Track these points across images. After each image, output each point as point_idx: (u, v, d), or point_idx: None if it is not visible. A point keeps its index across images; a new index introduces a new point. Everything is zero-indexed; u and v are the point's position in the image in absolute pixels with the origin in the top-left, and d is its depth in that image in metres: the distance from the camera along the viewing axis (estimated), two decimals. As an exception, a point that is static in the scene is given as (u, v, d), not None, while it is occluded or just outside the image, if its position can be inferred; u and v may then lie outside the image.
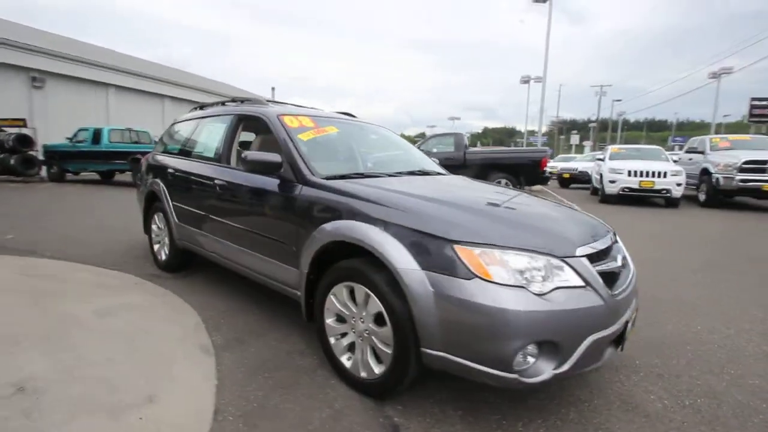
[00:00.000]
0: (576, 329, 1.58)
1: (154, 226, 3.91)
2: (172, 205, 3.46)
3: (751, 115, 28.27)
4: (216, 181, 2.87)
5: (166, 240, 3.69)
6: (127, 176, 12.96)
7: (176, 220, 3.44)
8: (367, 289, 1.84)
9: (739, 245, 5.66)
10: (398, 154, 3.21)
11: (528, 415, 1.86)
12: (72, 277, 3.52)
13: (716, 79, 29.52)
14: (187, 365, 2.19)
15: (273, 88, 33.87)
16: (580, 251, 1.71)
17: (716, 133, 29.32)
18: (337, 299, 2.01)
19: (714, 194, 9.69)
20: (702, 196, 10.17)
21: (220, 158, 3.03)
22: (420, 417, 1.80)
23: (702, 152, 10.53)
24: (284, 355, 2.31)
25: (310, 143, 2.56)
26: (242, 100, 3.29)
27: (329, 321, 2.08)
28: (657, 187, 9.60)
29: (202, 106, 3.85)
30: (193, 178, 3.22)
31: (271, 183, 2.45)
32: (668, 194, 9.57)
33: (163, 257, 3.76)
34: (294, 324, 2.71)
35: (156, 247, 3.91)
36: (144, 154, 11.85)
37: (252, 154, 2.35)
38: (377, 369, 1.87)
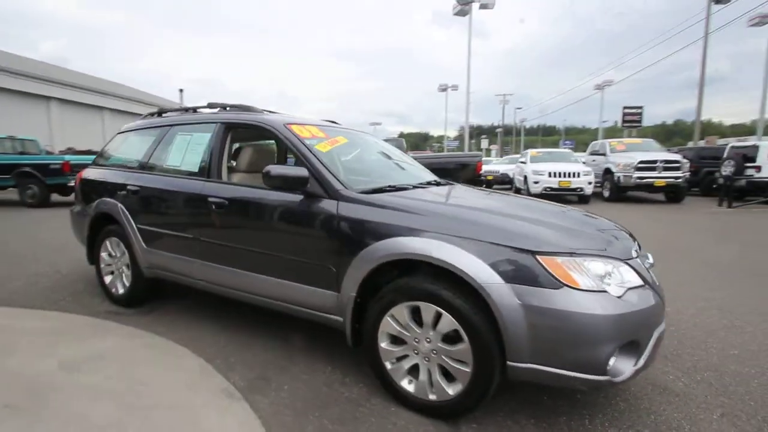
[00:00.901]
0: (647, 326, 1.70)
1: (104, 254, 3.29)
2: (137, 228, 2.95)
3: (624, 122, 33.60)
4: (211, 199, 2.51)
5: (125, 269, 3.14)
6: (11, 193, 10.77)
7: (144, 245, 2.94)
8: (438, 308, 1.76)
9: (645, 231, 6.67)
10: (405, 163, 3.14)
11: (588, 411, 1.95)
12: (7, 326, 2.80)
13: (600, 90, 34.58)
14: (216, 416, 1.87)
15: (181, 90, 31.11)
16: (633, 252, 1.85)
17: (600, 136, 34.23)
18: (395, 321, 1.89)
19: (616, 190, 11.28)
20: (606, 192, 11.77)
21: (207, 172, 2.66)
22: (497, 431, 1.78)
23: (603, 154, 12.19)
24: (325, 389, 2.10)
25: (329, 155, 2.38)
26: (224, 107, 2.94)
27: (384, 345, 1.94)
28: (573, 186, 10.87)
29: (160, 113, 3.36)
30: (169, 196, 2.78)
31: (290, 199, 2.23)
32: (582, 192, 10.89)
33: (121, 290, 3.19)
34: (315, 352, 2.49)
35: (108, 278, 3.29)
36: (36, 166, 10.28)
37: (276, 169, 2.11)
38: (451, 390, 1.79)
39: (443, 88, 32.80)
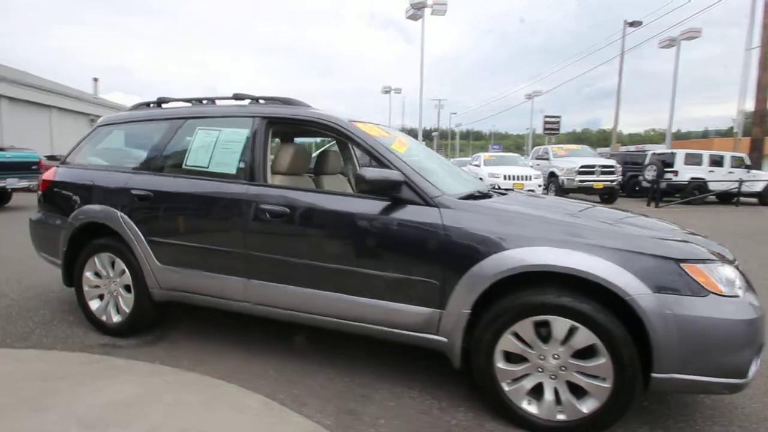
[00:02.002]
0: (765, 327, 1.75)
1: (88, 274, 2.68)
2: (147, 241, 2.44)
3: (545, 129, 36.81)
4: (264, 206, 2.13)
5: (122, 292, 2.59)
6: None
7: (157, 262, 2.43)
8: (573, 322, 1.65)
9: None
10: (457, 167, 2.99)
11: (676, 413, 1.96)
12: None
13: (530, 99, 37.45)
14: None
15: (96, 79, 27.74)
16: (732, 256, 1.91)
17: (529, 141, 37.07)
18: (518, 338, 1.74)
19: (560, 192, 12.19)
20: (551, 194, 12.68)
21: (250, 175, 2.27)
22: (627, 446, 1.71)
23: (547, 159, 13.13)
24: (426, 418, 1.87)
25: (407, 157, 2.15)
26: (256, 98, 2.54)
27: (501, 365, 1.78)
28: (525, 188, 11.51)
29: (159, 103, 2.82)
30: (198, 203, 2.34)
31: (375, 206, 1.97)
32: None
33: (116, 317, 2.62)
34: (384, 373, 2.24)
35: (95, 304, 2.69)
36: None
37: (372, 172, 1.85)
38: (584, 407, 1.68)
39: (386, 90, 33.07)
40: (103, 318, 2.67)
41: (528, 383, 1.77)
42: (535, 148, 15.35)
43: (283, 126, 2.45)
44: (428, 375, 2.22)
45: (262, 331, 2.70)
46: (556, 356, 1.71)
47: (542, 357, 1.73)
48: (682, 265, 1.59)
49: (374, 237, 1.98)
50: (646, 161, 12.99)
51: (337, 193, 2.11)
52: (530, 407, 1.77)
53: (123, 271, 2.56)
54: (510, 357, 1.78)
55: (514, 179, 11.54)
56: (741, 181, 11.02)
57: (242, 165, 2.32)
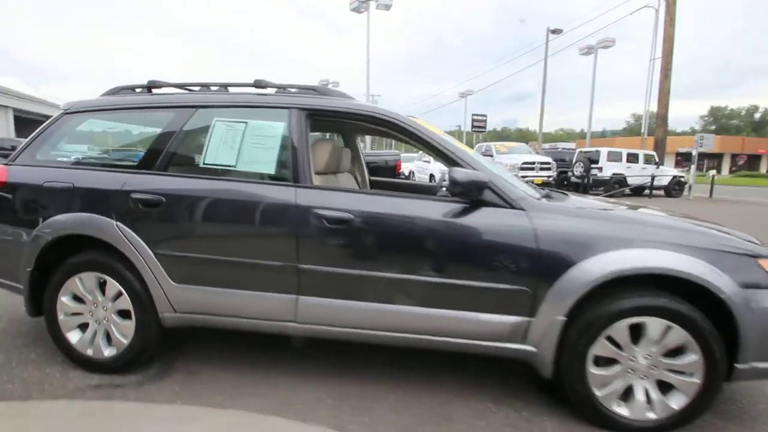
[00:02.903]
0: None
1: (65, 300, 2.13)
2: (157, 256, 2.00)
3: (472, 127, 38.95)
4: (321, 212, 1.85)
5: (115, 319, 2.11)
6: None
7: (170, 280, 2.01)
8: (669, 322, 1.67)
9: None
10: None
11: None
12: None
13: (464, 97, 39.15)
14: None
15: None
16: None
17: (463, 139, 38.86)
18: (611, 341, 1.73)
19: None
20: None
21: (295, 175, 1.97)
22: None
23: (491, 155, 13.83)
24: (511, 430, 1.79)
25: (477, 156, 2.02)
26: (283, 87, 2.20)
27: (593, 370, 1.76)
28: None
29: (150, 88, 2.33)
30: (229, 208, 1.98)
31: (453, 209, 1.83)
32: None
33: (107, 351, 2.12)
34: (456, 390, 2.10)
35: (77, 336, 2.16)
36: None
37: (463, 173, 1.70)
38: (674, 403, 1.73)
39: (323, 83, 32.18)
40: (89, 352, 2.15)
41: (619, 386, 1.77)
42: (478, 144, 16.09)
43: (324, 120, 2.16)
44: (491, 385, 2.13)
45: (287, 350, 2.39)
46: (647, 356, 1.73)
47: (633, 358, 1.74)
48: (758, 261, 1.70)
49: (455, 243, 1.83)
50: (575, 158, 14.29)
51: (408, 195, 1.92)
52: (621, 409, 1.77)
53: (118, 294, 2.08)
54: (599, 361, 1.77)
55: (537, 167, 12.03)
56: (653, 176, 12.71)
57: (282, 164, 2.00)
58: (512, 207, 1.81)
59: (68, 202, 2.10)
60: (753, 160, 30.81)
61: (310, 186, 1.96)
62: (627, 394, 1.77)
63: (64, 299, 2.14)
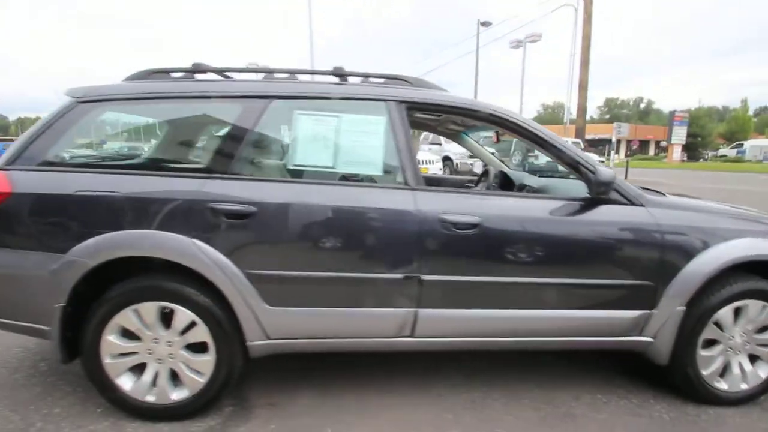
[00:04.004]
0: None
1: (112, 338, 1.70)
2: (249, 278, 1.67)
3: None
4: (450, 217, 1.70)
5: (186, 354, 1.74)
6: None
7: (266, 304, 1.71)
8: (764, 302, 1.86)
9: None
10: None
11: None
12: None
13: None
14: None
15: None
16: None
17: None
18: (718, 325, 1.87)
19: (454, 174, 13.42)
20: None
21: (405, 177, 1.77)
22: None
23: (440, 144, 14.19)
24: (639, 419, 1.86)
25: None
26: (366, 76, 1.95)
27: (703, 352, 1.89)
28: (429, 172, 12.26)
29: (194, 72, 1.91)
30: (339, 218, 1.72)
31: (575, 208, 1.81)
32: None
33: (176, 395, 1.76)
34: (553, 384, 2.11)
35: (130, 381, 1.75)
36: None
37: (608, 174, 1.67)
38: (762, 372, 1.94)
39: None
40: (149, 399, 1.76)
41: (719, 363, 1.94)
42: (425, 133, 16.35)
43: (422, 114, 1.98)
44: (582, 379, 2.19)
45: (342, 365, 2.22)
46: (743, 334, 1.91)
47: (732, 337, 1.91)
48: None
49: (584, 242, 1.81)
50: (512, 148, 15.30)
51: (526, 195, 1.85)
52: (720, 384, 1.95)
53: (190, 325, 1.72)
54: (705, 343, 1.91)
55: (420, 163, 12.14)
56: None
57: (389, 164, 1.79)
58: (633, 203, 1.84)
59: (116, 215, 1.66)
60: (643, 145, 36.26)
61: (430, 189, 1.79)
62: (725, 370, 1.95)
63: (111, 338, 1.71)
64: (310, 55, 15.18)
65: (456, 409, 1.90)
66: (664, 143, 33.84)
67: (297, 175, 1.78)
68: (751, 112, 52.15)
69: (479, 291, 1.79)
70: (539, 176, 2.99)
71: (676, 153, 27.28)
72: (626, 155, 28.28)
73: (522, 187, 2.64)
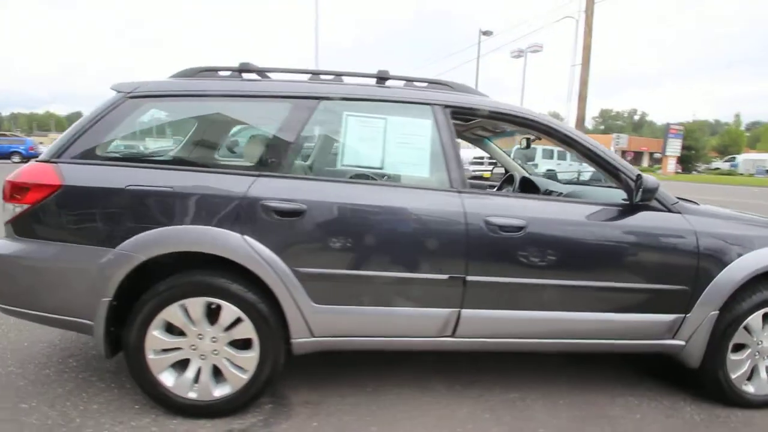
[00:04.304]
0: None
1: (156, 333, 1.71)
2: (297, 275, 1.69)
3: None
4: (496, 220, 1.74)
5: (229, 350, 1.75)
6: None
7: (312, 302, 1.73)
8: (796, 307, 1.92)
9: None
10: None
11: None
12: None
13: None
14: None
15: None
16: None
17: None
18: (747, 329, 1.93)
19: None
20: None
21: (450, 180, 1.81)
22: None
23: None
24: (672, 420, 1.91)
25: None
26: (409, 79, 1.99)
27: (732, 356, 1.94)
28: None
29: (241, 71, 1.94)
30: (389, 218, 1.75)
31: (615, 214, 1.86)
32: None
33: (219, 391, 1.76)
34: (580, 387, 2.15)
35: (172, 377, 1.75)
36: None
37: (654, 181, 1.74)
38: (789, 376, 2.00)
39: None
40: (191, 395, 1.76)
41: (746, 367, 1.99)
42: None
43: (464, 119, 2.02)
44: (613, 381, 2.23)
45: (370, 363, 2.24)
46: (769, 339, 1.97)
47: (760, 342, 1.97)
48: None
49: (624, 247, 1.86)
50: (512, 155, 15.50)
51: (567, 200, 1.90)
52: (748, 387, 2.00)
53: (236, 321, 1.73)
54: (734, 348, 1.96)
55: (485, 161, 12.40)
56: (579, 172, 14.36)
57: (436, 167, 1.83)
58: (670, 211, 1.90)
59: (168, 211, 1.67)
60: (637, 156, 37.00)
61: (476, 192, 1.83)
62: (752, 374, 2.00)
63: (156, 333, 1.71)
64: (315, 57, 15.22)
65: (495, 409, 1.93)
66: (657, 155, 34.44)
67: (346, 175, 1.80)
68: (743, 127, 53.45)
69: (521, 292, 1.83)
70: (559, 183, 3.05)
71: (671, 165, 27.80)
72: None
73: (548, 193, 2.69)
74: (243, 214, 1.67)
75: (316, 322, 1.76)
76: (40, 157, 1.83)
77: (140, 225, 1.65)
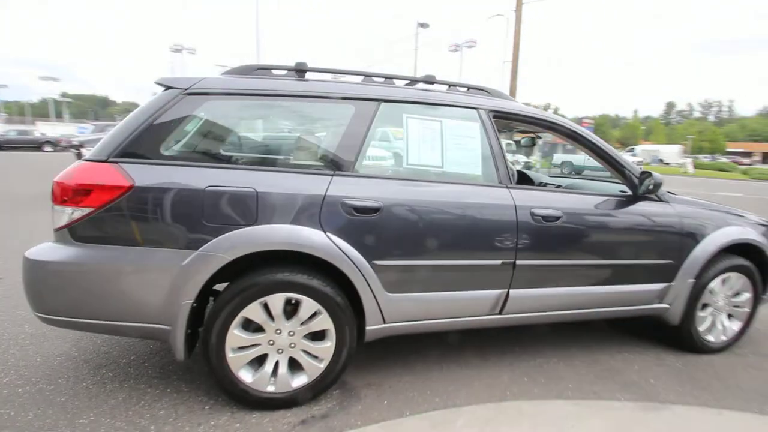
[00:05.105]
0: None
1: (236, 332, 1.73)
2: (375, 267, 1.81)
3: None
4: (539, 211, 2.01)
5: (306, 343, 1.84)
6: None
7: (386, 292, 1.87)
8: (741, 274, 2.49)
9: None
10: None
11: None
12: None
13: None
14: None
15: None
16: None
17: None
18: (711, 292, 2.45)
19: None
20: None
21: (498, 176, 2.05)
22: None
23: (389, 141, 14.57)
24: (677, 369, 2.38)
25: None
26: (451, 84, 2.17)
27: (700, 313, 2.47)
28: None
29: (300, 70, 1.97)
30: (453, 212, 1.94)
31: (624, 204, 2.25)
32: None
33: (297, 382, 1.84)
34: (594, 349, 2.56)
35: (251, 373, 1.79)
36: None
37: (660, 177, 2.12)
38: (735, 327, 2.58)
39: (177, 49, 26.71)
40: (270, 389, 1.81)
41: (709, 322, 2.53)
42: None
43: (501, 122, 2.25)
44: (603, 341, 2.69)
45: (424, 343, 2.47)
46: (725, 298, 2.53)
47: (717, 300, 2.52)
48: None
49: (632, 231, 2.25)
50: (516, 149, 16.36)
51: (586, 192, 2.25)
52: (708, 337, 2.54)
53: (313, 314, 1.81)
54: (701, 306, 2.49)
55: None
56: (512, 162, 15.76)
57: (486, 165, 2.05)
58: (661, 200, 2.34)
59: (250, 211, 1.68)
60: (553, 147, 41.53)
61: (521, 186, 2.08)
62: (711, 326, 2.56)
63: (236, 331, 1.74)
64: (257, 50, 14.49)
65: (530, 373, 2.24)
66: (569, 147, 38.39)
67: (411, 173, 1.95)
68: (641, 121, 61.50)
69: (555, 273, 2.14)
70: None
71: (536, 153, 31.17)
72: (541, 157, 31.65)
73: (543, 185, 3.06)
74: (325, 213, 1.75)
75: (388, 310, 1.90)
76: (89, 156, 1.71)
77: (223, 225, 1.66)
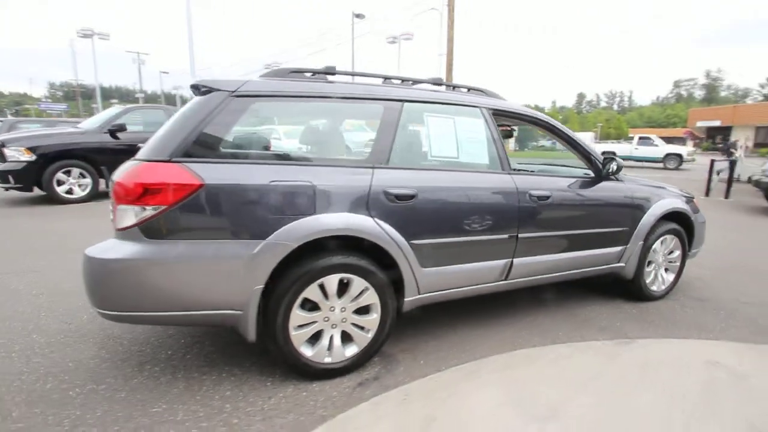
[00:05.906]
0: None
1: (298, 311, 1.94)
2: (413, 246, 2.10)
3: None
4: (535, 192, 2.42)
5: (355, 317, 2.10)
6: None
7: (422, 268, 2.17)
8: (676, 237, 3.16)
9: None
10: None
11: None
12: None
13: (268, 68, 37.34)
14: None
15: None
16: None
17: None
18: (653, 251, 3.10)
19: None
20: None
21: (501, 165, 2.43)
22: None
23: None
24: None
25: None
26: (452, 86, 2.50)
27: (647, 268, 3.10)
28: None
29: (327, 73, 2.18)
30: (470, 196, 2.28)
31: (591, 183, 2.76)
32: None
33: (349, 351, 2.09)
34: (565, 305, 3.09)
35: (310, 348, 2.01)
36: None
37: (621, 163, 2.62)
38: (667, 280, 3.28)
39: (86, 34, 23.81)
40: (327, 360, 2.04)
41: (653, 276, 3.19)
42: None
43: (497, 119, 2.62)
44: (576, 300, 3.25)
45: (435, 311, 2.83)
46: (665, 254, 3.19)
47: (658, 258, 3.17)
48: (693, 199, 3.37)
49: (602, 205, 2.78)
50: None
51: (563, 174, 2.74)
52: (653, 287, 3.21)
53: (362, 291, 2.06)
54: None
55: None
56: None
57: (492, 155, 2.42)
58: (618, 180, 2.90)
59: (310, 202, 1.88)
60: None
61: (519, 172, 2.48)
62: (654, 278, 3.21)
63: (298, 311, 1.94)
64: (190, 50, 13.66)
65: (527, 328, 2.69)
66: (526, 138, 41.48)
67: (436, 164, 2.26)
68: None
69: (546, 242, 2.60)
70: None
71: (512, 144, 33.87)
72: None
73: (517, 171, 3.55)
74: (371, 201, 2.00)
75: (423, 283, 2.21)
76: (145, 157, 1.79)
77: (286, 216, 1.84)
